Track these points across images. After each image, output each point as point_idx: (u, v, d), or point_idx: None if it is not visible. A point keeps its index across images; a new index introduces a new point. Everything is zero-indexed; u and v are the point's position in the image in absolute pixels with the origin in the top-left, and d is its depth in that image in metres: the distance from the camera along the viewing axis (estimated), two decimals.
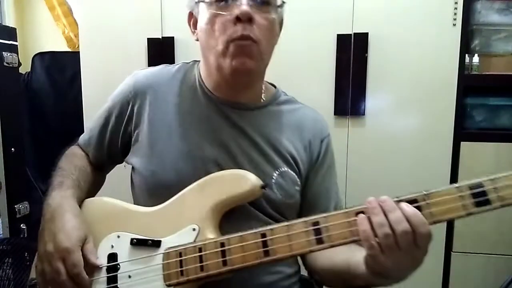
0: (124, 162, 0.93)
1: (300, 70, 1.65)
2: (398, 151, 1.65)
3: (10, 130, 1.77)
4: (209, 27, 0.79)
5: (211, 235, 0.73)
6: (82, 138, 0.98)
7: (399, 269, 0.63)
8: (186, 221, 0.75)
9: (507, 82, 1.63)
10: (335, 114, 1.66)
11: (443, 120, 1.62)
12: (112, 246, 0.77)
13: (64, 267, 0.72)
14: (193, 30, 0.87)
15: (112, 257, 0.77)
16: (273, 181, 0.82)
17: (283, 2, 0.83)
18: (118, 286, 0.75)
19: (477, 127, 1.66)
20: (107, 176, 1.04)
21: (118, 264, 0.76)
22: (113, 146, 0.92)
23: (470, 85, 1.62)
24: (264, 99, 0.90)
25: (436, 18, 1.57)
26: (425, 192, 0.63)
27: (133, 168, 0.89)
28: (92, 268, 0.75)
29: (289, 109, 0.91)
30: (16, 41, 1.85)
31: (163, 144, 0.83)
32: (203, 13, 0.80)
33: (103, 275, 0.76)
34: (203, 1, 0.80)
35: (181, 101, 0.86)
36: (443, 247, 1.67)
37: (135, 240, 0.76)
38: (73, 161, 0.92)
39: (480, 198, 0.61)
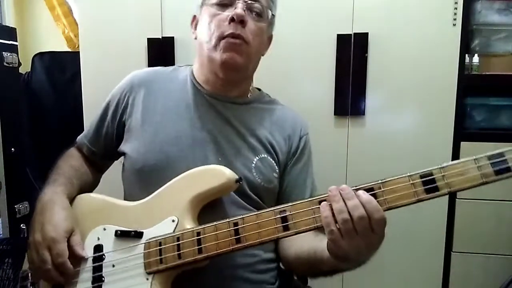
0: (120, 158, 0.98)
1: (300, 70, 1.65)
2: (398, 151, 1.65)
3: (10, 130, 1.77)
4: (207, 24, 0.90)
5: (189, 225, 0.79)
6: (80, 136, 1.06)
7: (358, 253, 0.68)
8: (166, 213, 0.80)
9: (507, 82, 1.63)
10: (335, 114, 1.66)
11: (443, 120, 1.62)
12: (98, 238, 0.83)
13: (50, 256, 0.78)
14: (193, 30, 0.98)
15: (98, 248, 0.83)
16: (253, 165, 0.89)
17: (273, 15, 0.96)
18: (103, 274, 0.81)
19: (477, 127, 1.66)
20: (106, 176, 1.06)
21: (104, 255, 0.81)
22: (109, 137, 1.00)
23: (470, 85, 1.62)
24: (249, 97, 1.00)
25: (436, 18, 1.57)
26: (380, 181, 0.70)
27: (124, 156, 0.95)
28: (79, 259, 0.81)
29: (272, 108, 1.01)
30: (16, 41, 1.85)
31: (154, 129, 0.91)
32: (205, 14, 0.92)
33: (89, 265, 0.82)
34: (206, 5, 0.92)
35: (172, 93, 0.96)
36: (443, 247, 1.67)
37: (119, 232, 0.82)
38: (68, 161, 1.00)
39: (430, 185, 0.68)
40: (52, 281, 0.80)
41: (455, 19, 1.56)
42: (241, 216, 0.75)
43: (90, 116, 1.77)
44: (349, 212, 0.65)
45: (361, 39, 1.61)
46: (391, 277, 1.71)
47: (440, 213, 1.66)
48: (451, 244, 1.66)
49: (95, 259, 0.82)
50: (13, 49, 1.82)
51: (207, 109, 0.93)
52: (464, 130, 1.64)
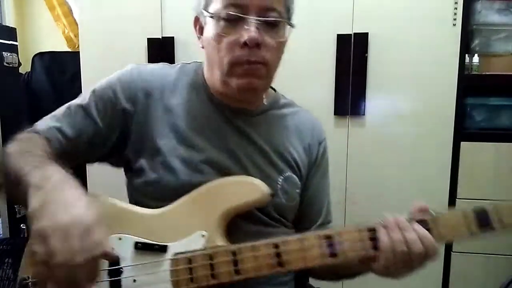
0: (111, 165, 0.88)
1: (300, 70, 1.65)
2: (398, 151, 1.65)
3: (10, 130, 1.77)
4: (215, 44, 0.77)
5: (220, 242, 0.73)
6: (50, 125, 0.81)
7: (403, 274, 0.70)
8: (194, 227, 0.74)
9: (507, 82, 1.63)
10: (335, 114, 1.66)
11: (443, 120, 1.62)
12: (113, 249, 0.70)
13: (81, 245, 0.55)
14: (198, 35, 0.85)
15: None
16: (279, 186, 0.83)
17: (291, 26, 0.83)
18: None
19: (477, 127, 1.66)
20: (103, 174, 1.02)
21: (121, 268, 0.73)
22: (97, 143, 0.81)
23: (470, 85, 1.62)
24: (265, 102, 0.90)
25: (436, 18, 1.57)
26: (434, 215, 0.71)
27: (135, 169, 0.83)
28: (115, 261, 0.72)
29: (289, 112, 0.93)
30: (16, 41, 1.85)
31: (170, 148, 0.80)
32: (210, 27, 0.78)
33: (104, 279, 0.72)
34: (212, 16, 0.77)
35: (187, 105, 0.83)
36: (443, 247, 1.67)
37: (140, 244, 0.74)
38: (38, 149, 0.75)
39: (484, 223, 0.71)
40: (77, 285, 0.57)
41: (455, 19, 1.56)
42: (282, 239, 0.71)
43: None
44: (407, 245, 0.68)
45: (361, 39, 1.61)
46: None
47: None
48: (451, 244, 1.66)
49: (111, 273, 0.73)
50: (13, 49, 1.82)
51: (226, 125, 0.83)
52: (464, 130, 1.64)
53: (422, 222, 0.70)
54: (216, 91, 0.84)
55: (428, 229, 0.69)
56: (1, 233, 1.80)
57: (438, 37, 1.58)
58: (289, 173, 0.86)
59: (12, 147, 0.78)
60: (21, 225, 1.84)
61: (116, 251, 0.72)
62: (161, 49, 1.71)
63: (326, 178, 0.96)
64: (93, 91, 0.85)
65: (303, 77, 1.65)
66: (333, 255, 0.70)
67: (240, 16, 0.74)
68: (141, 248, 0.73)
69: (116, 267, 0.73)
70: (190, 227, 0.74)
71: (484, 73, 1.67)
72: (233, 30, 0.75)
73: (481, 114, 1.66)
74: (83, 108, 0.82)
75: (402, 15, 1.59)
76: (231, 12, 0.74)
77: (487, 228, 0.70)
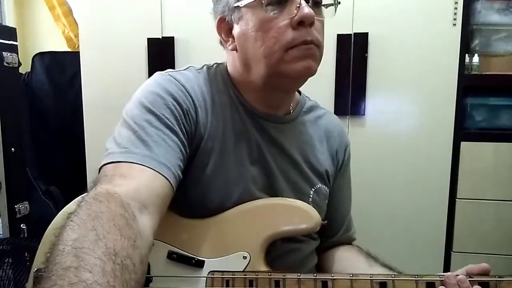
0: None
1: None
2: (398, 151, 1.65)
3: (10, 130, 1.77)
4: (259, 34, 0.70)
5: (261, 267, 0.69)
6: (153, 161, 0.62)
7: None
8: (236, 247, 0.69)
9: (507, 82, 1.63)
10: (335, 114, 1.66)
11: (443, 120, 1.62)
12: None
13: None
14: (225, 39, 0.77)
15: None
16: (310, 200, 0.81)
17: (335, 2, 0.75)
18: None
19: (477, 127, 1.66)
20: None
21: (151, 277, 0.69)
22: (185, 156, 0.71)
23: (470, 85, 1.62)
24: (292, 108, 0.85)
25: (436, 18, 1.57)
26: (497, 277, 0.67)
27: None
28: None
29: (316, 116, 0.89)
30: (16, 41, 1.85)
31: (215, 165, 0.73)
32: (248, 18, 0.71)
33: None
34: (249, 6, 0.70)
35: (224, 116, 0.76)
36: (443, 247, 1.67)
37: (174, 255, 0.69)
38: (123, 234, 0.49)
39: None
40: None
41: (455, 19, 1.56)
42: (332, 276, 0.66)
43: (90, 116, 1.78)
44: None
45: (361, 39, 1.61)
46: None
47: (440, 213, 1.65)
48: (451, 244, 1.66)
49: None
50: (13, 49, 1.82)
51: (260, 135, 0.78)
52: (464, 130, 1.64)
53: (483, 284, 0.66)
54: (250, 96, 0.78)
55: None
56: (1, 233, 1.80)
57: (438, 37, 1.58)
58: (319, 185, 0.83)
59: (77, 217, 0.48)
60: (21, 225, 1.84)
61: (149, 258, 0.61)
62: (161, 49, 1.71)
63: (349, 188, 0.94)
64: (146, 110, 0.69)
65: None
66: None
67: None
68: (175, 259, 0.69)
69: (146, 275, 0.68)
70: (232, 245, 0.69)
71: (484, 73, 1.67)
72: (281, 13, 0.69)
73: (481, 114, 1.66)
74: (165, 130, 0.68)
75: (402, 15, 1.59)
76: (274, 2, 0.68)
77: None
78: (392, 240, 1.69)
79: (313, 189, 0.81)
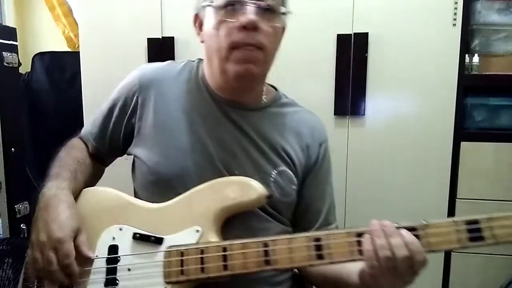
0: (125, 155, 0.95)
1: (300, 70, 1.65)
2: (398, 151, 1.65)
3: (10, 130, 1.77)
4: (215, 32, 0.80)
5: (213, 238, 0.76)
6: (84, 129, 0.99)
7: (394, 287, 0.68)
8: (190, 222, 0.77)
9: (507, 82, 1.63)
10: (335, 114, 1.66)
11: (443, 120, 1.62)
12: (114, 238, 0.79)
13: (55, 257, 0.74)
14: (198, 31, 0.89)
15: (113, 249, 0.79)
16: (271, 179, 0.84)
17: (287, 12, 0.85)
18: (117, 277, 0.77)
19: (477, 127, 1.66)
20: (109, 168, 1.04)
21: (119, 257, 0.78)
22: (115, 137, 0.93)
23: (470, 85, 1.62)
24: (265, 100, 0.92)
25: (436, 18, 1.57)
26: (424, 223, 0.68)
27: (135, 159, 0.90)
28: (88, 259, 0.77)
29: (289, 111, 0.94)
30: (16, 41, 1.85)
31: (168, 137, 0.85)
32: (210, 17, 0.82)
33: (102, 266, 0.78)
34: (210, 6, 0.81)
35: (186, 97, 0.88)
36: None
37: (138, 235, 0.78)
38: (71, 153, 0.93)
39: (475, 234, 0.67)
40: (57, 283, 0.76)
41: (455, 19, 1.56)
42: (272, 238, 0.72)
43: (90, 116, 1.78)
44: (391, 250, 0.65)
45: (361, 39, 1.61)
46: None
47: (440, 213, 1.65)
48: (442, 252, 1.66)
49: (109, 261, 0.78)
50: (13, 49, 1.82)
51: (222, 118, 0.86)
52: (464, 130, 1.64)
53: (411, 229, 0.67)
54: (215, 85, 0.88)
55: (416, 236, 0.67)
56: (1, 233, 1.80)
57: (438, 37, 1.58)
58: (283, 167, 0.86)
59: (59, 153, 0.93)
60: (21, 225, 1.84)
61: (115, 240, 0.79)
62: (161, 49, 1.71)
63: (328, 183, 0.95)
64: (112, 93, 0.95)
65: (303, 77, 1.65)
66: (320, 257, 0.70)
67: (239, 1, 0.78)
68: (139, 238, 0.77)
69: (114, 255, 0.78)
70: (186, 222, 0.77)
71: (484, 73, 1.67)
72: (232, 16, 0.78)
73: (481, 114, 1.66)
74: (104, 111, 0.95)
75: (402, 15, 1.59)
76: (230, 5, 0.78)
77: (478, 240, 0.67)
78: None
79: (275, 170, 0.85)
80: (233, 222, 0.79)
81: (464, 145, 1.61)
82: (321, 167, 0.93)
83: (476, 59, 1.67)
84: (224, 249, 0.73)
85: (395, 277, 0.66)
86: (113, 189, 0.86)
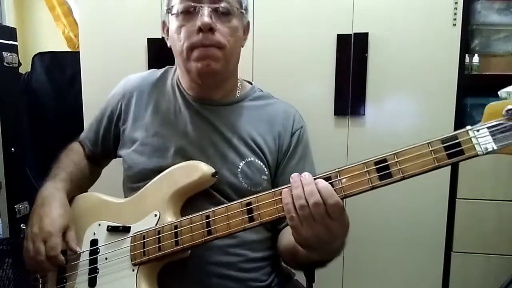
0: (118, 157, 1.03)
1: (300, 70, 1.65)
2: None
3: (10, 130, 1.77)
4: (176, 36, 0.88)
5: (170, 219, 0.83)
6: (83, 133, 1.09)
7: (319, 240, 0.68)
8: (150, 209, 0.86)
9: (507, 82, 1.62)
10: (335, 114, 1.66)
11: (443, 120, 1.62)
12: (94, 233, 0.89)
13: (44, 248, 0.83)
14: (166, 37, 0.95)
15: (94, 242, 0.89)
16: (239, 170, 0.89)
17: (244, 10, 0.91)
18: (98, 266, 0.86)
19: None
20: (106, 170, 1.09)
21: (98, 248, 0.88)
22: (106, 141, 1.03)
23: (470, 85, 1.62)
24: (238, 95, 0.97)
25: (436, 18, 1.57)
26: (337, 169, 0.70)
27: (121, 157, 0.99)
28: (75, 253, 0.87)
29: (262, 104, 0.98)
30: (16, 41, 1.85)
31: (142, 138, 0.94)
32: (172, 23, 0.89)
33: (86, 258, 0.88)
34: (171, 13, 0.89)
35: (160, 100, 0.97)
36: (443, 247, 1.67)
37: (110, 227, 0.88)
38: (70, 156, 1.03)
39: (383, 171, 0.68)
40: (44, 271, 0.87)
41: (455, 19, 1.56)
42: (213, 209, 0.77)
43: (90, 116, 1.77)
44: (305, 198, 0.66)
45: (361, 39, 1.61)
46: (391, 277, 1.71)
47: (440, 213, 1.66)
48: (451, 244, 1.66)
49: (91, 253, 0.88)
50: (13, 49, 1.82)
51: (193, 115, 0.93)
52: None
53: (326, 178, 0.69)
54: (186, 85, 0.96)
55: (331, 183, 0.68)
56: (1, 233, 1.80)
57: (438, 37, 1.58)
58: (251, 158, 0.90)
59: (61, 154, 1.04)
60: (21, 225, 1.84)
61: (97, 235, 0.89)
62: (161, 49, 1.70)
63: (304, 166, 0.96)
64: (104, 102, 1.05)
65: (303, 77, 1.65)
66: (251, 219, 0.74)
67: (194, 7, 0.84)
68: (111, 230, 0.87)
69: (94, 247, 0.88)
70: (147, 209, 0.86)
71: (484, 73, 1.67)
72: (190, 21, 0.85)
73: (481, 114, 1.65)
74: (98, 117, 1.05)
75: (402, 15, 1.59)
76: (185, 4, 0.85)
77: (388, 177, 0.67)
78: (392, 240, 1.69)
79: (243, 162, 0.90)
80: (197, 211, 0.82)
81: None
82: (294, 155, 0.95)
83: (476, 59, 1.67)
84: (176, 227, 0.80)
85: (315, 226, 0.66)
86: (95, 192, 0.97)
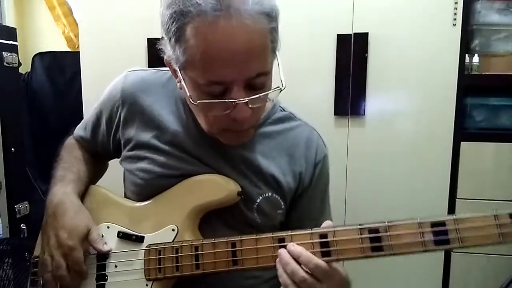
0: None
1: (300, 70, 1.65)
2: (398, 151, 1.65)
3: (10, 130, 1.77)
4: (198, 110, 0.74)
5: (188, 236, 0.78)
6: (78, 132, 0.98)
7: None
8: (167, 221, 0.79)
9: (507, 82, 1.63)
10: (335, 114, 1.66)
11: (443, 120, 1.62)
12: (102, 236, 0.82)
13: (65, 262, 0.76)
14: (174, 75, 0.77)
15: None
16: (255, 206, 0.81)
17: (276, 40, 0.74)
18: (106, 273, 0.80)
19: (477, 127, 1.66)
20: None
21: (108, 253, 0.81)
22: (105, 145, 0.92)
23: (470, 85, 1.62)
24: None
25: (436, 18, 1.57)
26: (333, 229, 0.67)
27: (125, 169, 0.90)
28: (107, 253, 0.81)
29: (282, 129, 0.86)
30: (16, 41, 1.85)
31: (149, 159, 0.83)
32: (189, 86, 0.71)
33: (93, 262, 0.81)
34: (190, 77, 0.69)
35: (170, 118, 0.83)
36: None
37: (121, 234, 0.81)
38: (72, 152, 0.94)
39: (375, 243, 0.65)
40: (65, 285, 0.78)
41: (455, 19, 1.56)
42: (240, 238, 0.72)
43: None
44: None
45: (361, 39, 1.61)
46: (391, 277, 1.71)
47: (440, 213, 1.65)
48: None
49: (100, 257, 0.81)
50: (13, 49, 1.82)
51: (205, 143, 0.81)
52: (464, 130, 1.64)
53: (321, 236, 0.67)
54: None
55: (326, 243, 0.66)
56: (1, 233, 1.80)
57: (438, 37, 1.58)
58: (269, 193, 0.82)
59: (60, 152, 0.95)
60: (21, 225, 1.84)
61: (105, 238, 0.82)
62: (161, 49, 1.70)
63: (322, 199, 0.90)
64: (99, 101, 0.92)
65: (303, 77, 1.65)
66: None
67: (223, 83, 0.66)
68: (123, 237, 0.81)
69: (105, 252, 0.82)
70: (164, 220, 0.80)
71: (484, 73, 1.67)
72: (219, 104, 0.68)
73: (481, 114, 1.66)
74: (94, 118, 0.93)
75: (402, 15, 1.59)
76: (213, 90, 0.67)
77: (379, 247, 0.65)
78: None
79: (260, 197, 0.82)
80: (216, 234, 0.77)
81: (464, 145, 1.61)
82: (316, 187, 0.87)
83: (476, 59, 1.67)
84: (196, 249, 0.75)
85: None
86: (102, 188, 0.90)
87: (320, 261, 0.65)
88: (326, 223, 0.69)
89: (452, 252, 1.66)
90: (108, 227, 0.83)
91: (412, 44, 1.60)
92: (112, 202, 0.87)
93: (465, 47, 1.59)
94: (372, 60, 1.62)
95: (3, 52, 1.75)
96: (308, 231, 0.69)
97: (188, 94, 0.70)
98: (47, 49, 2.29)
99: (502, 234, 0.61)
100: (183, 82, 0.72)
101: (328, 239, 0.67)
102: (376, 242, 0.65)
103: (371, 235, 0.65)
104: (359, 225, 0.66)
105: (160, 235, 0.79)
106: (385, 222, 0.65)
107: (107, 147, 0.92)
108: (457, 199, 1.64)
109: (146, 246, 0.79)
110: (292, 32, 1.64)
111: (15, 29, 1.90)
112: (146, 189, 0.83)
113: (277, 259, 0.67)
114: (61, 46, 2.37)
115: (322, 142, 0.89)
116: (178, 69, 0.72)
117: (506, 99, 1.65)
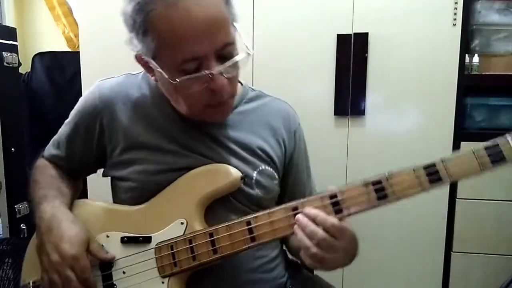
0: (100, 172, 0.93)
1: (300, 70, 1.65)
2: (398, 151, 1.65)
3: (10, 130, 1.77)
4: (174, 94, 0.78)
5: (198, 226, 0.78)
6: (50, 151, 0.96)
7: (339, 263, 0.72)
8: (174, 216, 0.79)
9: (507, 82, 1.63)
10: (335, 114, 1.66)
11: (443, 120, 1.62)
12: (103, 246, 0.81)
13: (74, 274, 0.74)
14: (146, 71, 0.83)
15: None
16: (253, 180, 0.85)
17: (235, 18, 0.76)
18: (114, 282, 0.79)
19: (477, 127, 1.66)
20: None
21: (112, 263, 0.80)
22: (85, 160, 0.91)
23: (470, 85, 1.62)
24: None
25: (436, 18, 1.57)
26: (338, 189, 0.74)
27: (114, 178, 0.89)
28: (112, 260, 0.80)
29: (258, 105, 0.93)
30: (16, 41, 1.85)
31: (142, 159, 0.84)
32: (161, 78, 0.77)
33: (97, 274, 0.79)
34: (164, 63, 0.74)
35: (153, 116, 0.86)
36: (443, 247, 1.67)
37: (125, 238, 0.80)
38: (46, 172, 0.92)
39: (380, 192, 0.75)
40: None
41: (455, 19, 1.56)
42: (253, 215, 0.75)
43: None
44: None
45: (361, 39, 1.61)
46: (391, 277, 1.71)
47: (440, 213, 1.65)
48: (451, 244, 1.66)
49: (103, 268, 0.80)
50: (13, 49, 1.82)
51: (193, 131, 0.85)
52: (464, 130, 1.64)
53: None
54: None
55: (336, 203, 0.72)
56: (1, 233, 1.80)
57: (438, 37, 1.58)
58: (263, 166, 0.87)
59: (32, 176, 0.93)
60: (21, 225, 1.85)
61: (105, 248, 0.80)
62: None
63: (305, 164, 0.97)
64: (72, 115, 0.92)
65: (303, 77, 1.65)
66: None
67: (199, 63, 0.71)
68: (127, 241, 0.80)
69: (108, 261, 0.80)
70: (170, 216, 0.79)
71: (484, 73, 1.67)
72: (196, 81, 0.73)
73: (481, 114, 1.66)
74: (68, 133, 0.92)
75: (402, 15, 1.59)
76: (189, 68, 0.71)
77: (383, 198, 0.74)
78: (392, 240, 1.69)
79: (256, 171, 0.86)
80: (217, 217, 0.80)
81: (464, 145, 1.61)
82: (299, 153, 0.95)
83: (476, 59, 1.67)
84: (211, 235, 0.76)
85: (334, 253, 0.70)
86: (89, 200, 0.89)
87: (335, 219, 0.70)
88: (330, 187, 0.74)
89: (452, 252, 1.66)
90: (107, 236, 0.81)
91: (412, 44, 1.60)
92: (106, 211, 0.85)
93: (465, 47, 1.59)
94: (372, 60, 1.62)
95: (3, 52, 1.75)
96: (318, 196, 0.73)
97: (166, 76, 0.74)
98: (47, 49, 2.29)
99: (481, 164, 0.78)
100: (158, 70, 0.76)
101: (338, 198, 0.73)
102: (381, 191, 0.75)
103: (375, 187, 0.74)
104: (362, 180, 0.74)
105: (169, 231, 0.79)
106: (385, 174, 0.75)
107: (88, 160, 0.91)
108: (457, 199, 1.64)
109: (156, 245, 0.78)
110: (292, 32, 1.64)
111: (15, 29, 1.90)
112: (144, 191, 0.83)
113: (295, 226, 0.71)
114: (61, 46, 2.38)
115: (293, 111, 0.97)
116: (151, 60, 0.77)
117: (506, 99, 1.65)
